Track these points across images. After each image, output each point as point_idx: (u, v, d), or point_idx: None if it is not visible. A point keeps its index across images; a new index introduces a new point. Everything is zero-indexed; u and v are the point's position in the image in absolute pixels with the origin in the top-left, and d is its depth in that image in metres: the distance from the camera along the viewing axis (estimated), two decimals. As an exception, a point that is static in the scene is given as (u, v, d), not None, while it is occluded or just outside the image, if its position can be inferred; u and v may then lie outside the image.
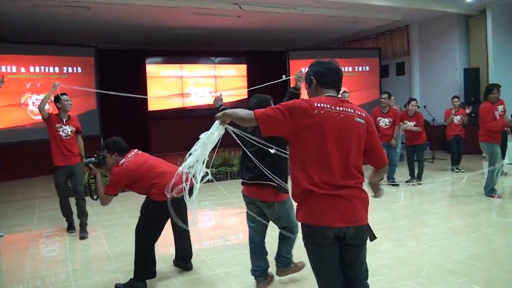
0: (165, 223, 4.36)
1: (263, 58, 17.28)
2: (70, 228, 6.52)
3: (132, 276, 4.25)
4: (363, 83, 14.95)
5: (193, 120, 13.56)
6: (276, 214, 3.97)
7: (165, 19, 12.10)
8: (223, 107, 4.49)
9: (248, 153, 3.72)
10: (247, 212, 4.17)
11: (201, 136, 2.93)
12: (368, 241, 2.80)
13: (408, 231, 5.88)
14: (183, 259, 4.70)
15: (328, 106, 2.60)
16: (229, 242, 5.75)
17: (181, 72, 14.98)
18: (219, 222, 6.96)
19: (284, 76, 4.21)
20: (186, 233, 4.66)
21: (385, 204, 7.44)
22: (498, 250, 5.12)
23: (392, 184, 8.82)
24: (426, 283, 4.18)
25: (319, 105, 2.58)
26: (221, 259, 5.03)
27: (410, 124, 9.05)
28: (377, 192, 2.98)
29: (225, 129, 2.83)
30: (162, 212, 4.23)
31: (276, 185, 3.74)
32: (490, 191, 7.58)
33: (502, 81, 11.84)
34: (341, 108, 2.63)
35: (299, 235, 2.86)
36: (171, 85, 14.91)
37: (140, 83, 14.65)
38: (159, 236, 4.36)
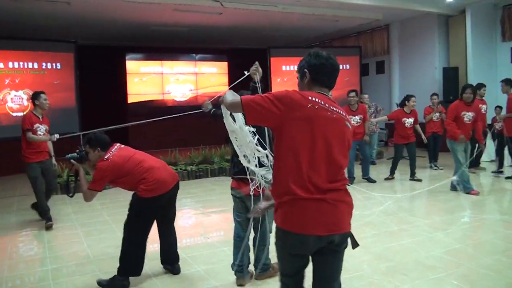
0: (154, 219, 4.32)
1: (244, 56, 17.24)
2: (49, 219, 6.50)
3: (114, 274, 4.20)
4: (344, 81, 15.04)
5: (174, 118, 13.47)
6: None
7: (146, 16, 12.02)
8: (215, 109, 4.47)
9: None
10: (233, 207, 4.25)
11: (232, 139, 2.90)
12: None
13: (387, 227, 5.94)
14: (170, 261, 4.61)
15: (322, 102, 2.42)
16: (209, 240, 5.75)
17: (162, 69, 14.88)
18: (199, 220, 6.94)
19: (246, 73, 4.25)
20: (172, 234, 4.61)
21: (364, 200, 7.51)
22: (475, 245, 5.20)
23: (368, 181, 8.92)
24: (404, 279, 4.23)
25: (313, 99, 2.40)
26: (201, 257, 5.02)
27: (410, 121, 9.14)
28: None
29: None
30: (150, 209, 4.20)
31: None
32: (466, 187, 7.75)
33: (480, 80, 12.06)
34: (334, 108, 2.47)
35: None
36: (151, 82, 14.81)
37: (120, 80, 14.52)
38: (148, 233, 4.29)
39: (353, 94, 9.03)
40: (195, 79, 15.25)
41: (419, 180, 9.00)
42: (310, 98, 2.40)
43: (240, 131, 2.89)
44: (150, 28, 13.44)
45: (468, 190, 7.70)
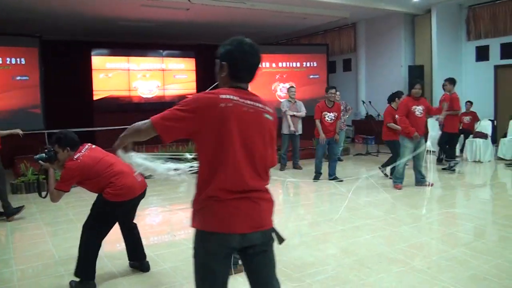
0: (115, 224, 4.25)
1: (213, 52, 17.13)
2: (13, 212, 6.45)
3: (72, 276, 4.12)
4: (311, 78, 15.17)
5: (140, 114, 13.29)
6: None
7: (112, 10, 11.86)
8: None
9: None
10: None
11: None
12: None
13: (352, 222, 6.02)
14: (138, 258, 4.55)
15: (236, 98, 2.29)
16: (176, 237, 5.71)
17: (128, 65, 14.69)
18: (166, 217, 6.90)
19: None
20: (136, 232, 4.54)
21: (329, 196, 7.61)
22: (438, 238, 5.32)
23: (336, 181, 8.92)
24: (369, 272, 4.30)
25: (226, 97, 2.27)
26: (168, 255, 4.98)
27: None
28: None
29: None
30: (114, 212, 4.13)
31: None
32: (420, 179, 8.14)
33: (444, 78, 12.32)
34: (250, 102, 2.34)
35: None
36: (117, 78, 14.60)
37: (85, 76, 14.27)
38: (106, 235, 4.20)
39: (333, 90, 8.93)
40: (162, 75, 15.11)
41: (340, 181, 8.84)
42: (221, 97, 2.27)
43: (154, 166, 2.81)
44: (117, 23, 13.28)
45: (394, 184, 8.15)
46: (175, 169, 2.87)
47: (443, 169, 9.67)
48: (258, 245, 2.37)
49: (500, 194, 7.63)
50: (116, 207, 4.06)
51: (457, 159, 9.93)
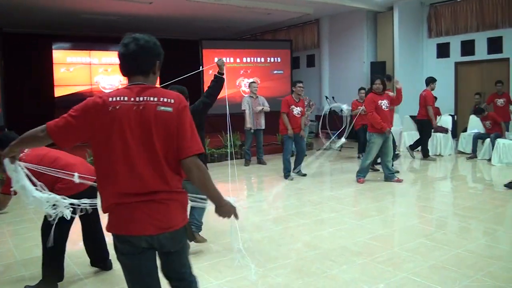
0: (72, 221, 4.10)
1: (176, 47, 17.02)
2: None
3: (40, 278, 3.99)
4: (275, 74, 15.19)
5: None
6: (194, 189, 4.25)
7: (74, 3, 11.57)
8: None
9: None
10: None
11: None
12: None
13: (316, 216, 6.05)
14: (101, 259, 4.41)
15: (126, 98, 2.24)
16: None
17: (90, 59, 14.39)
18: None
19: (201, 67, 4.45)
20: (98, 231, 4.38)
21: (294, 191, 7.64)
22: (400, 230, 5.41)
23: (298, 175, 8.97)
24: (331, 264, 4.33)
25: (114, 99, 2.23)
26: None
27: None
28: (222, 209, 2.47)
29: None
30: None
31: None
32: (388, 175, 8.15)
33: (406, 74, 12.63)
34: (141, 98, 2.26)
35: None
36: (78, 73, 14.29)
37: (46, 70, 13.92)
38: (68, 234, 4.05)
39: (301, 84, 8.89)
40: (126, 70, 14.86)
41: (304, 175, 8.98)
42: (110, 99, 2.24)
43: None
44: (78, 16, 12.97)
45: (357, 178, 8.21)
46: (53, 205, 2.99)
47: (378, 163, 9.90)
48: (168, 245, 2.37)
49: (460, 187, 7.80)
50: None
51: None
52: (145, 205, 2.25)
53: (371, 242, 4.95)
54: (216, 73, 4.63)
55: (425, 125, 10.27)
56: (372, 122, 8.00)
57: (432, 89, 10.18)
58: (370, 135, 8.09)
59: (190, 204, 2.70)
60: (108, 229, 2.34)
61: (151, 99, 2.27)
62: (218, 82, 4.64)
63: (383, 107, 8.00)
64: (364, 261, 4.40)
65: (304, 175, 8.84)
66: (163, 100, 2.29)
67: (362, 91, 10.78)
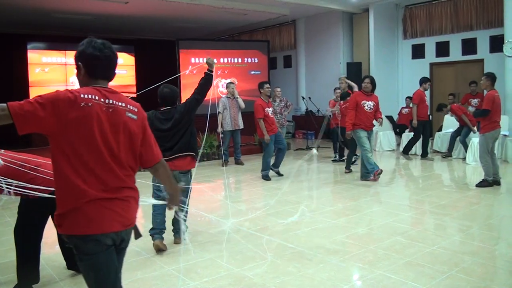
0: (45, 221, 4.02)
1: (152, 47, 16.97)
2: None
3: (16, 282, 3.90)
4: (252, 74, 15.21)
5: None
6: (189, 182, 4.82)
7: (48, 2, 11.41)
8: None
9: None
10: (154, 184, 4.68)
11: None
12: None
13: (293, 216, 6.05)
14: (76, 262, 4.33)
15: (97, 98, 2.27)
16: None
17: (65, 59, 14.20)
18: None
19: (190, 67, 4.75)
20: None
21: (271, 191, 7.65)
22: (375, 229, 5.45)
23: (277, 174, 9.02)
24: (308, 263, 4.35)
25: (86, 96, 2.24)
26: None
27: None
28: (174, 200, 2.71)
29: None
30: (39, 210, 3.87)
31: (194, 154, 4.79)
32: (365, 174, 8.14)
33: (382, 74, 12.78)
34: (111, 101, 2.32)
35: None
36: (54, 73, 14.09)
37: (20, 70, 13.70)
38: (41, 236, 3.98)
39: (267, 86, 8.86)
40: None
41: (281, 175, 8.99)
42: (82, 96, 2.24)
43: None
44: (52, 15, 12.79)
45: (365, 177, 8.13)
46: None
47: (333, 160, 10.46)
48: (124, 242, 2.43)
49: (435, 185, 7.89)
50: (38, 204, 3.77)
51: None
52: (112, 202, 2.30)
53: (347, 241, 4.98)
54: (206, 71, 4.89)
55: (422, 125, 10.20)
56: (346, 119, 8.07)
57: (425, 89, 10.17)
58: (353, 132, 8.03)
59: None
60: (71, 231, 2.28)
61: (120, 104, 2.36)
62: (207, 79, 4.90)
63: (366, 107, 7.96)
64: (340, 259, 4.43)
65: (281, 175, 8.85)
66: (129, 107, 2.40)
67: (338, 90, 10.83)
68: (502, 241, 5.05)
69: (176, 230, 5.00)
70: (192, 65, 14.30)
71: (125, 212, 2.36)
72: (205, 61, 4.96)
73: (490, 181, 7.34)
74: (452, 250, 4.60)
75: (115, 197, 2.31)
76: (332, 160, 10.39)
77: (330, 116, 10.59)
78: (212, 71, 4.89)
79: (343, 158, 10.28)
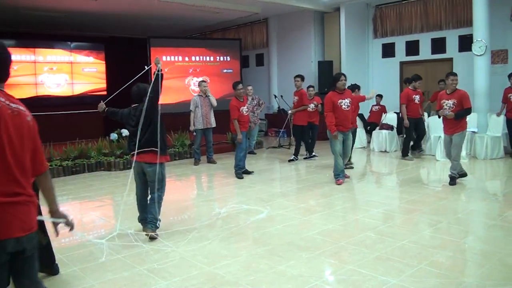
0: None
1: (123, 45, 16.78)
2: None
3: None
4: (224, 73, 15.18)
5: (47, 110, 12.64)
6: (155, 175, 5.16)
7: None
8: (108, 108, 5.52)
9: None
10: (134, 174, 5.35)
11: None
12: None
13: (265, 214, 6.07)
14: (46, 264, 4.19)
15: (3, 100, 2.23)
16: (87, 237, 5.44)
17: (34, 57, 13.89)
18: (76, 218, 6.54)
19: (146, 67, 5.66)
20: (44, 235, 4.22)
21: (243, 189, 7.65)
22: (347, 225, 5.50)
23: (245, 172, 9.02)
24: (279, 260, 4.36)
25: None
26: (78, 256, 4.73)
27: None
28: (59, 213, 2.70)
29: None
30: None
31: (156, 150, 5.10)
32: (336, 175, 7.87)
33: (352, 73, 12.89)
34: (13, 105, 2.29)
35: None
36: (23, 71, 13.75)
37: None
38: None
39: (240, 86, 8.87)
40: (70, 68, 14.43)
41: (251, 172, 9.03)
42: None
43: None
44: (22, 12, 12.51)
45: (336, 179, 7.81)
46: None
47: (305, 158, 10.49)
48: (28, 249, 2.35)
49: (404, 181, 8.00)
50: None
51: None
52: (13, 206, 2.25)
53: (318, 237, 5.02)
54: (156, 70, 5.17)
55: (414, 124, 10.00)
56: (326, 122, 7.73)
57: (415, 88, 9.94)
58: (329, 132, 7.71)
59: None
60: None
61: (21, 108, 2.33)
62: (155, 78, 5.11)
63: (343, 106, 7.67)
64: (311, 255, 4.46)
65: (251, 172, 8.86)
66: (26, 111, 2.36)
67: (311, 88, 10.88)
68: (470, 234, 5.16)
69: (148, 221, 5.24)
70: (163, 64, 14.12)
71: (25, 216, 2.31)
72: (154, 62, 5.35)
73: (454, 175, 7.44)
74: (421, 244, 4.68)
75: (16, 201, 2.26)
76: (304, 158, 10.44)
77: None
78: (160, 70, 5.14)
79: (313, 154, 10.45)
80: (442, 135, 8.18)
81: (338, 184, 7.64)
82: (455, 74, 7.49)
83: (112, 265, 4.39)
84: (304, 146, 10.59)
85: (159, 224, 5.28)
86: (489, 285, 3.71)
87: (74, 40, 15.08)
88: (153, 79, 5.11)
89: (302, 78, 10.30)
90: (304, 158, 10.49)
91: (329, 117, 7.65)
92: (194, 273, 4.11)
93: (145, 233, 5.22)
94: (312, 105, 10.50)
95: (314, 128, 10.60)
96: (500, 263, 4.17)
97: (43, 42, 14.47)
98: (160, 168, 5.21)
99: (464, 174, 7.56)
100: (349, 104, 7.74)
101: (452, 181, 7.39)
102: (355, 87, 9.53)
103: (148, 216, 5.24)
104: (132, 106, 5.31)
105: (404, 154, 10.13)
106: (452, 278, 3.84)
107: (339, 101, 7.67)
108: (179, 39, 16.36)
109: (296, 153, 10.36)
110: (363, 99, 9.12)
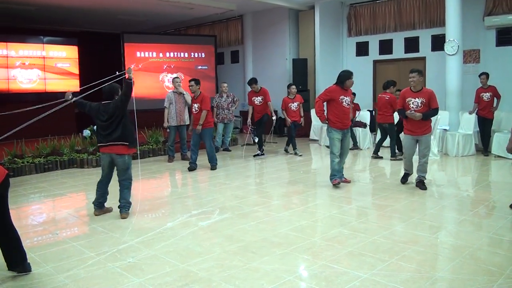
0: None
1: (97, 40, 16.58)
2: None
3: None
4: (199, 69, 15.12)
5: (20, 106, 12.35)
6: (125, 164, 5.79)
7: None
8: (75, 99, 5.79)
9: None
10: (102, 163, 5.94)
11: None
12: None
13: (239, 210, 6.08)
14: (17, 263, 4.10)
15: None
16: (59, 236, 5.34)
17: (6, 52, 13.58)
18: (49, 215, 6.40)
19: (117, 72, 5.97)
20: (10, 233, 4.08)
21: (218, 186, 7.64)
22: (319, 221, 5.56)
23: (211, 168, 9.12)
24: (253, 256, 4.38)
25: None
26: (50, 254, 4.65)
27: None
28: None
29: None
30: None
31: (127, 143, 5.69)
32: (331, 175, 7.50)
33: (326, 71, 13.00)
34: None
35: None
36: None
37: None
38: None
39: (192, 83, 9.09)
40: (43, 63, 14.17)
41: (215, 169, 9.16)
42: None
43: None
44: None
45: (331, 179, 7.44)
46: None
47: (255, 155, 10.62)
48: None
49: (377, 178, 8.10)
50: None
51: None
52: None
53: (291, 233, 5.05)
54: (126, 78, 5.64)
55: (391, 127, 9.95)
56: (315, 108, 7.44)
57: (392, 93, 9.91)
58: (329, 130, 7.41)
59: None
60: None
61: None
62: (126, 85, 5.63)
63: (344, 103, 7.27)
64: (285, 251, 4.49)
65: (215, 169, 9.13)
66: None
67: (293, 87, 10.91)
68: (441, 229, 5.24)
69: (122, 206, 5.88)
70: (138, 59, 13.99)
71: None
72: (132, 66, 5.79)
73: (405, 175, 7.44)
74: (393, 240, 4.75)
75: None
76: (284, 150, 10.90)
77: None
78: (130, 79, 5.62)
79: (295, 152, 10.65)
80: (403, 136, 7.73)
81: (334, 184, 7.32)
82: (416, 71, 7.05)
83: (85, 263, 4.34)
84: (289, 141, 10.89)
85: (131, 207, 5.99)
86: (459, 279, 3.79)
87: (47, 34, 14.81)
88: (123, 87, 5.63)
89: (255, 81, 10.54)
90: (285, 150, 11.00)
91: (319, 105, 7.35)
92: (168, 270, 4.09)
93: (121, 217, 5.83)
94: (295, 104, 10.56)
95: (297, 126, 10.70)
96: (470, 257, 4.27)
97: (15, 36, 14.16)
98: (128, 158, 5.85)
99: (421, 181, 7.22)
100: (349, 103, 7.39)
101: (423, 186, 7.11)
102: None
103: (121, 201, 5.88)
104: (103, 102, 5.76)
105: (392, 155, 9.91)
106: (423, 272, 3.92)
107: (341, 97, 7.26)
108: (153, 35, 16.21)
109: (260, 148, 10.58)
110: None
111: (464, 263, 4.12)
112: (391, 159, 9.82)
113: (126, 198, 5.90)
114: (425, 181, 7.19)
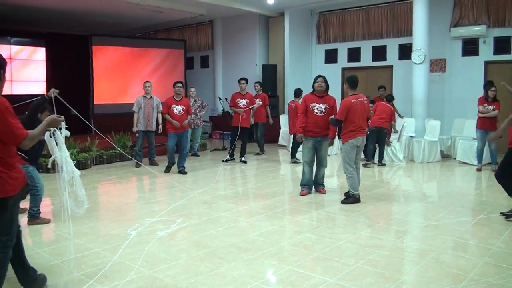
0: None
1: (65, 42, 16.31)
2: None
3: None
4: (168, 74, 15.01)
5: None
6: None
7: None
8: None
9: None
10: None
11: None
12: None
13: (206, 216, 6.04)
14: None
15: None
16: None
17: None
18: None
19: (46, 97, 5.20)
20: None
21: (186, 192, 7.58)
22: (286, 226, 5.58)
23: (180, 172, 9.10)
24: (220, 262, 4.36)
25: None
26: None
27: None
28: None
29: None
30: None
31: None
32: (301, 185, 7.40)
33: (295, 77, 13.11)
34: None
35: None
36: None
37: None
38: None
39: (180, 85, 9.24)
40: (10, 65, 13.85)
41: (185, 173, 9.16)
42: None
43: None
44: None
45: (301, 188, 7.34)
46: None
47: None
48: None
49: (344, 184, 8.12)
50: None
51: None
52: None
53: (259, 239, 5.05)
54: (45, 95, 5.17)
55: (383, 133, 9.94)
56: (296, 123, 7.35)
57: (381, 95, 10.11)
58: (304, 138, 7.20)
59: None
60: None
61: None
62: (40, 99, 5.22)
63: (315, 111, 7.04)
64: (252, 257, 4.48)
65: (185, 173, 9.07)
66: None
67: (257, 84, 11.01)
68: (406, 234, 5.33)
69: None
70: (106, 62, 13.78)
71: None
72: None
73: (357, 196, 6.74)
74: (359, 244, 4.80)
75: None
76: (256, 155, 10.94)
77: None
78: (50, 97, 5.04)
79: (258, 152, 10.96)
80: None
81: (301, 195, 7.16)
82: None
83: (48, 271, 4.23)
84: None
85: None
86: (424, 282, 3.86)
87: (14, 35, 14.51)
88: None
89: (246, 80, 10.72)
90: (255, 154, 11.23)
91: (299, 119, 7.18)
92: (133, 277, 4.03)
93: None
94: (257, 103, 10.64)
95: (259, 126, 10.79)
96: (435, 260, 4.36)
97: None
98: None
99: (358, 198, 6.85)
100: (323, 110, 7.05)
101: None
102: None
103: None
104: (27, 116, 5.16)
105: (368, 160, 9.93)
106: (388, 276, 3.97)
107: (312, 104, 7.06)
108: (123, 38, 16.04)
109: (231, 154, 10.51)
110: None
111: (428, 267, 4.20)
112: (378, 165, 10.00)
113: (32, 207, 5.67)
114: (354, 194, 6.79)
